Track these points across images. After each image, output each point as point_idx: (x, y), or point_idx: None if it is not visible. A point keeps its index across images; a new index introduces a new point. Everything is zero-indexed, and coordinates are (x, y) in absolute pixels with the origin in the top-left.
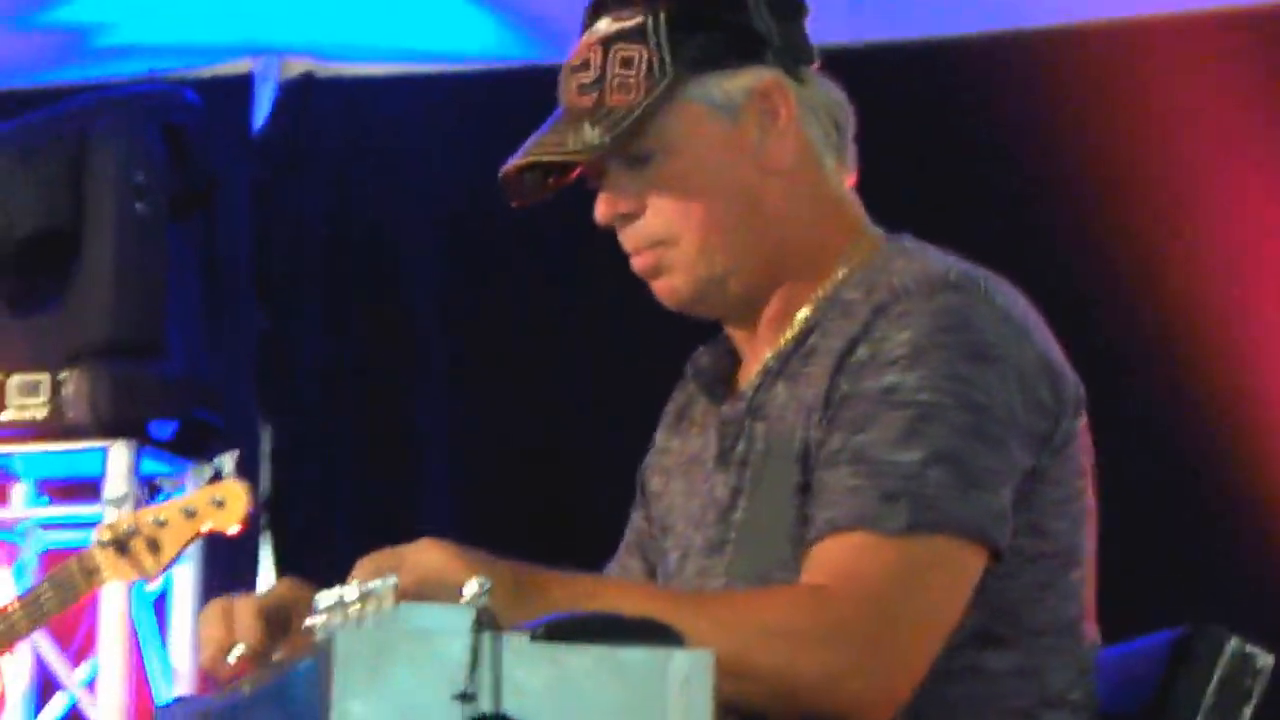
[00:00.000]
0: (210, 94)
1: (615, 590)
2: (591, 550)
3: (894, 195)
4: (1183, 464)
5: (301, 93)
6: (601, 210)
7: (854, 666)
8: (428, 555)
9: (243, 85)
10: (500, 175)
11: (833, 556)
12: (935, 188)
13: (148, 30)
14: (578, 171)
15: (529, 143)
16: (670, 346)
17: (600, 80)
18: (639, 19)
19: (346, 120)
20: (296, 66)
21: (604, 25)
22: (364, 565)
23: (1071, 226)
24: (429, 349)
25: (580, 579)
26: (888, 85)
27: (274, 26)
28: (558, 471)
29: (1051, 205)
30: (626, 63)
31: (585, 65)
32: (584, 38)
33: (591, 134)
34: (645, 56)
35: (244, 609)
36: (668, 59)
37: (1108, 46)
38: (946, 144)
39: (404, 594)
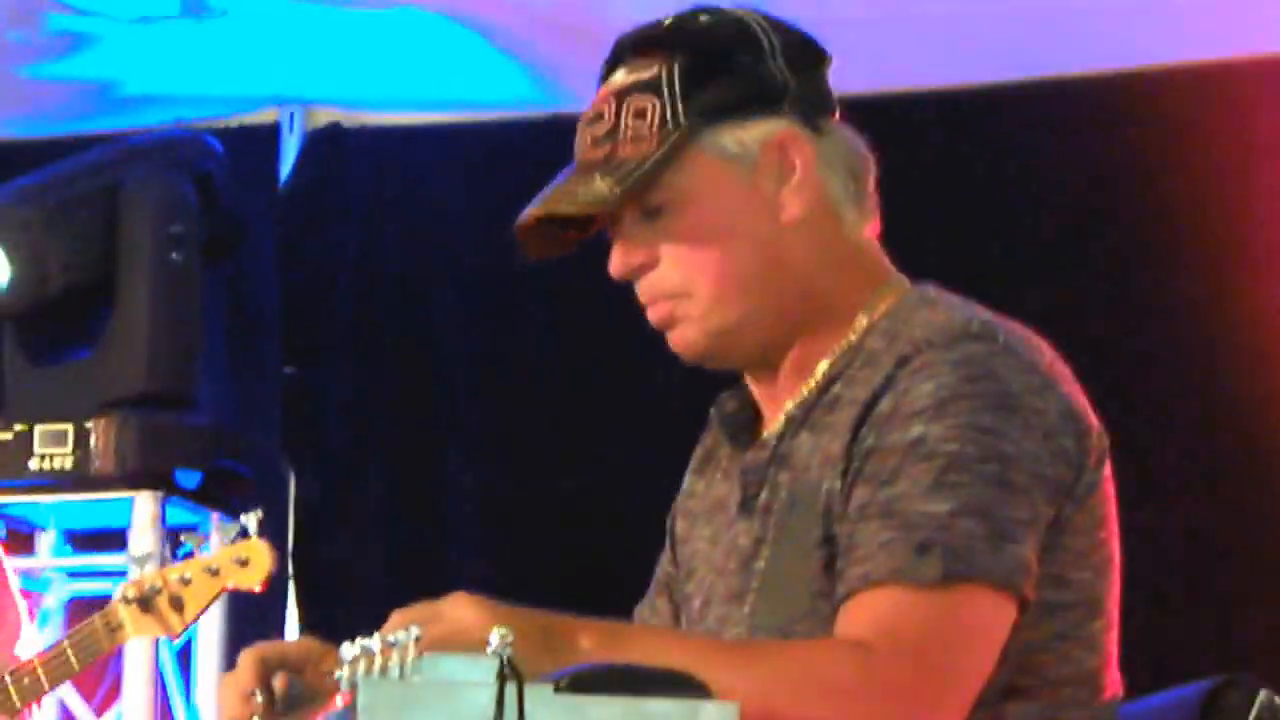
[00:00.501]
0: (236, 144)
1: (650, 639)
2: (622, 597)
3: (928, 243)
4: (1215, 514)
5: (328, 142)
6: (615, 262)
7: None
8: (461, 610)
9: (269, 135)
10: (515, 229)
11: (869, 611)
12: (971, 235)
13: (174, 80)
14: (598, 225)
15: (541, 195)
16: (700, 393)
17: (614, 132)
18: (654, 70)
19: (373, 169)
20: (322, 116)
21: (620, 77)
22: (397, 618)
23: (1115, 276)
24: (456, 396)
25: (613, 626)
26: (915, 133)
27: (299, 76)
28: (588, 518)
29: (1084, 259)
30: (639, 114)
31: (599, 117)
32: (600, 90)
33: (602, 186)
34: (658, 108)
35: (246, 661)
36: (680, 110)
37: (1129, 94)
38: (978, 192)
39: (437, 648)
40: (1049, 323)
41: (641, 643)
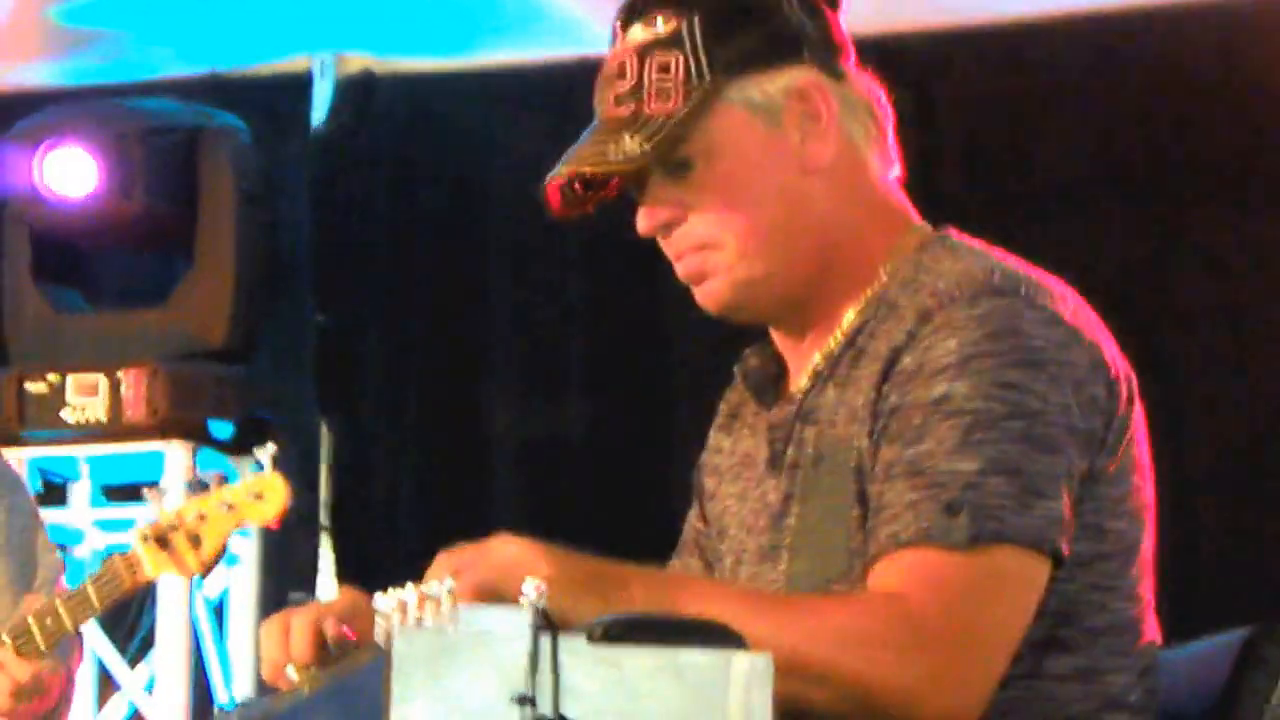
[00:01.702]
0: (269, 91)
1: (696, 588)
2: (659, 544)
3: (943, 188)
4: (1255, 460)
5: (359, 89)
6: (643, 221)
7: (936, 677)
8: (508, 550)
9: (301, 82)
10: (543, 187)
11: (901, 571)
12: (992, 178)
13: (206, 29)
14: (616, 183)
15: (568, 155)
16: (736, 343)
17: (638, 89)
18: (673, 25)
19: (404, 116)
20: (354, 63)
21: (638, 33)
22: (444, 559)
23: (1143, 216)
24: (492, 345)
25: (661, 575)
26: (934, 73)
27: (331, 24)
28: (624, 464)
29: (1113, 196)
30: (663, 69)
31: (621, 74)
32: (617, 46)
33: (632, 144)
34: (682, 62)
35: (299, 626)
36: (705, 63)
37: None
38: (1006, 132)
39: (485, 588)
40: (1071, 263)
41: (690, 592)
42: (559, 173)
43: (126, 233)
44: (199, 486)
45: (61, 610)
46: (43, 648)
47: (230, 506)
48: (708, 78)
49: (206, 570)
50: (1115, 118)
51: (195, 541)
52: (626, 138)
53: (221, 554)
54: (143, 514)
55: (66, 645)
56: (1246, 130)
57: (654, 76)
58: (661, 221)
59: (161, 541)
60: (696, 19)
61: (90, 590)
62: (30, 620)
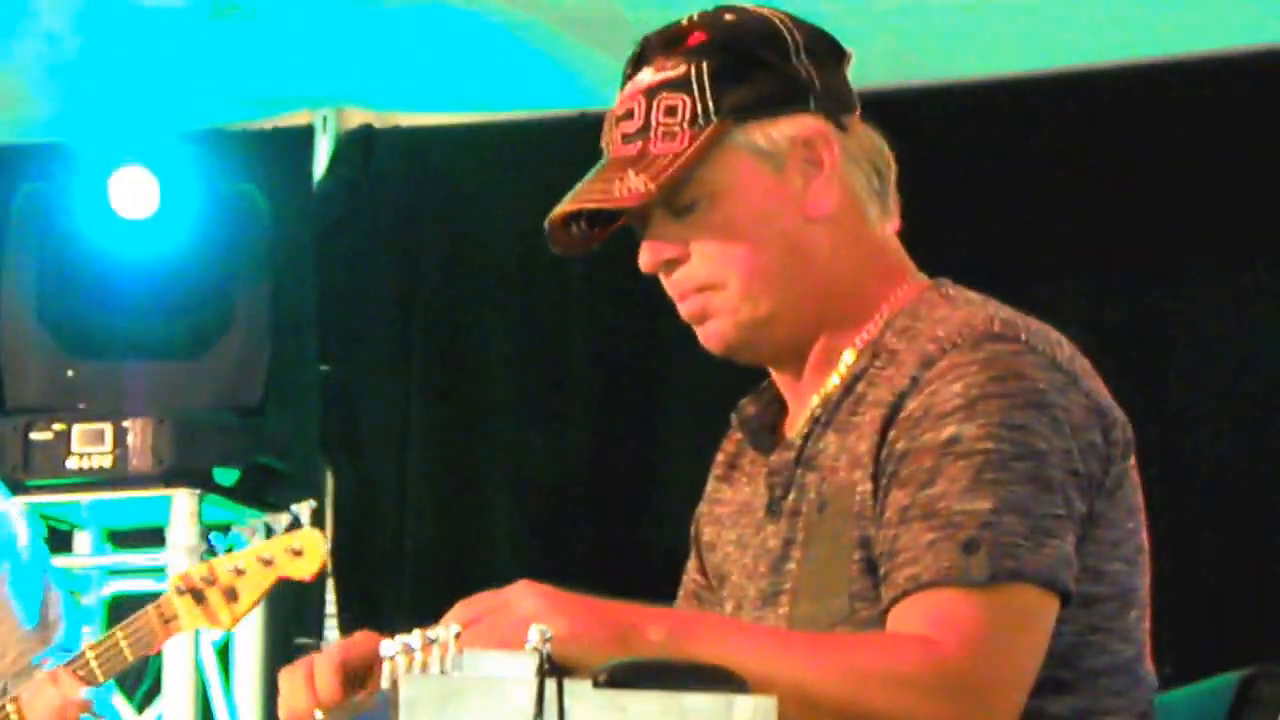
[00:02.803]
0: (272, 145)
1: (719, 629)
2: (659, 587)
3: (949, 237)
4: (1251, 503)
5: (360, 144)
6: (646, 258)
7: (965, 717)
8: (527, 604)
9: (303, 137)
10: (546, 223)
11: (924, 612)
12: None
13: (208, 82)
14: (621, 221)
15: (573, 191)
16: (734, 384)
17: (645, 129)
18: (683, 68)
19: (405, 169)
20: (355, 118)
21: (648, 75)
22: (461, 608)
23: (1137, 269)
24: (494, 393)
25: (682, 615)
26: (935, 127)
27: (331, 79)
28: (626, 514)
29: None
30: (670, 111)
31: (630, 114)
32: (627, 88)
33: (636, 181)
34: (689, 105)
35: (323, 668)
36: (711, 107)
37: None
38: (1002, 186)
39: (504, 645)
40: (1067, 315)
41: (711, 630)
42: (563, 208)
43: (175, 264)
44: (207, 540)
45: (93, 662)
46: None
47: (268, 562)
48: (714, 121)
49: (237, 624)
50: (1099, 175)
51: (231, 595)
52: (631, 175)
53: (255, 607)
54: (149, 561)
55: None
56: (1239, 183)
57: (661, 118)
58: (664, 259)
59: (196, 595)
60: (705, 63)
61: (123, 643)
62: (61, 670)
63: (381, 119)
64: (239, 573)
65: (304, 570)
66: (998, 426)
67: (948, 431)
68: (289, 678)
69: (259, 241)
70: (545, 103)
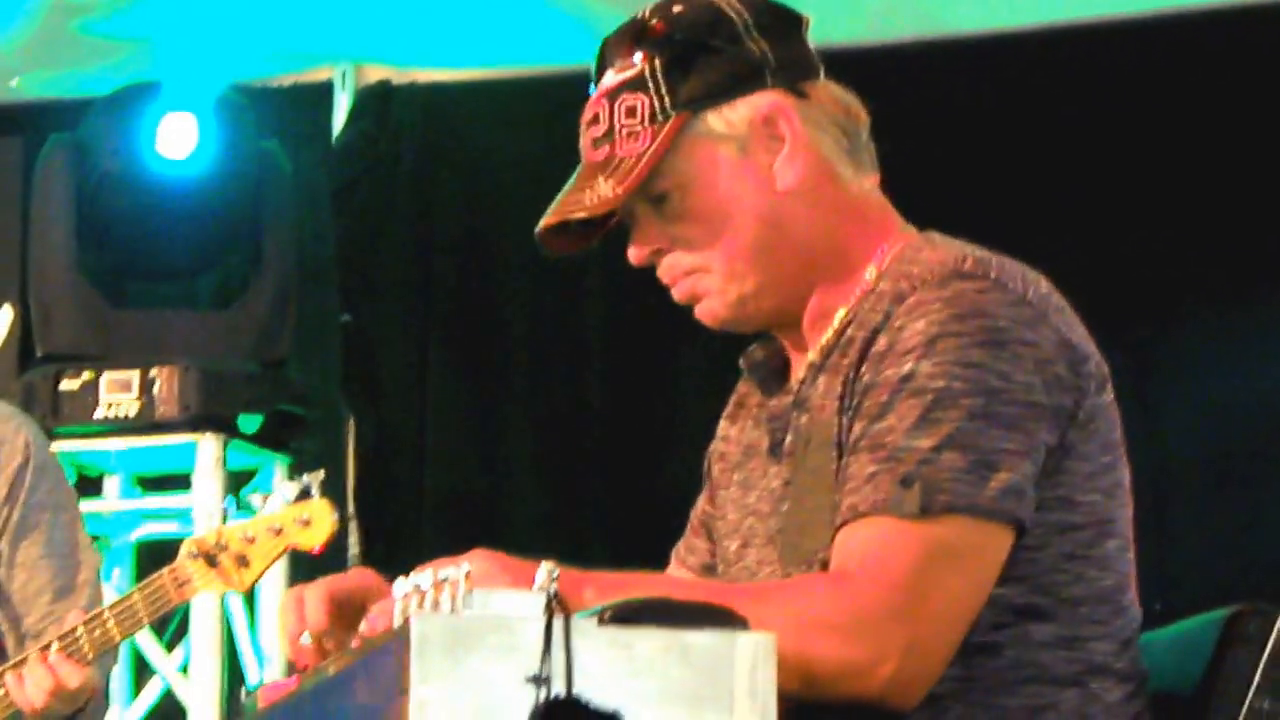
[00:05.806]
0: (292, 101)
1: (651, 587)
2: (676, 534)
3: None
4: (1238, 441)
5: (378, 99)
6: (633, 253)
7: (876, 654)
8: (477, 564)
9: (323, 92)
10: (535, 234)
11: (856, 543)
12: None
13: (227, 40)
14: (615, 218)
15: (555, 202)
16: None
17: (610, 133)
18: (638, 67)
19: (422, 124)
20: (373, 74)
21: (609, 78)
22: (419, 571)
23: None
24: (511, 343)
25: (616, 577)
26: (928, 83)
27: (351, 35)
28: (642, 456)
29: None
30: (630, 112)
31: (595, 120)
32: (593, 93)
33: (605, 187)
34: (646, 103)
35: (313, 596)
36: (667, 102)
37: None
38: (991, 140)
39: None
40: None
41: (643, 588)
42: (545, 222)
43: (204, 207)
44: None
45: (110, 621)
46: (89, 657)
47: (278, 530)
48: (671, 115)
49: (250, 588)
50: (1093, 128)
51: (242, 561)
52: (601, 181)
53: (265, 574)
54: (175, 504)
55: (108, 654)
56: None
57: (623, 120)
58: (648, 253)
59: (210, 560)
60: (657, 60)
61: (139, 604)
62: (80, 628)
63: (400, 75)
64: (249, 540)
65: (312, 540)
66: (952, 365)
67: (906, 367)
68: (283, 607)
69: (283, 195)
70: (562, 58)
